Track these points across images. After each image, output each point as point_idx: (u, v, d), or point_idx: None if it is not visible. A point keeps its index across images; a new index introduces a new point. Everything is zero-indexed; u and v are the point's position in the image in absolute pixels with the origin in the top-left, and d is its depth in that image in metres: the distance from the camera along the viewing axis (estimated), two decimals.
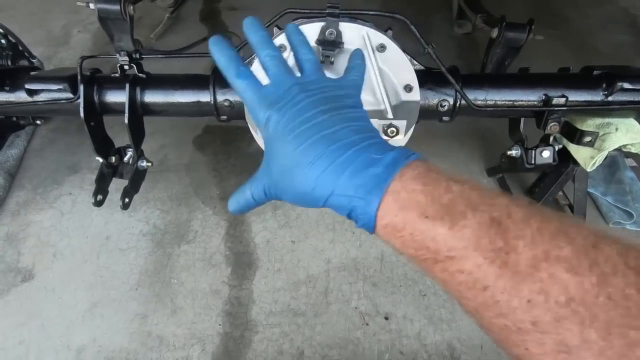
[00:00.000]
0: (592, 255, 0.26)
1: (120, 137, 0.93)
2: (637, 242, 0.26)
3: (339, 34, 0.70)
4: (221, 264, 0.95)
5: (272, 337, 0.85)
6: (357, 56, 0.50)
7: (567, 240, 0.27)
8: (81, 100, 0.81)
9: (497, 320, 0.28)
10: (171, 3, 1.63)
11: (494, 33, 0.97)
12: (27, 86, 0.83)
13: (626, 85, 0.76)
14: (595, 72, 0.81)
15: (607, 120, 0.83)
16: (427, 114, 0.82)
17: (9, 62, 1.00)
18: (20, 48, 1.04)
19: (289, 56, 0.71)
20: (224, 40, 0.44)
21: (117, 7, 0.85)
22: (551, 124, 0.81)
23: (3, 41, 0.99)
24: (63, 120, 1.22)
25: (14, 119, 1.03)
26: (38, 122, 1.07)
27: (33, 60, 1.06)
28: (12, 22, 1.03)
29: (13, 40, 1.01)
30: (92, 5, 0.87)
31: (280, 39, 0.72)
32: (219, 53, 0.43)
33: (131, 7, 0.90)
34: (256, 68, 0.60)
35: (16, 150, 1.11)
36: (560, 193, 1.05)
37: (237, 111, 0.83)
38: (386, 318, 0.88)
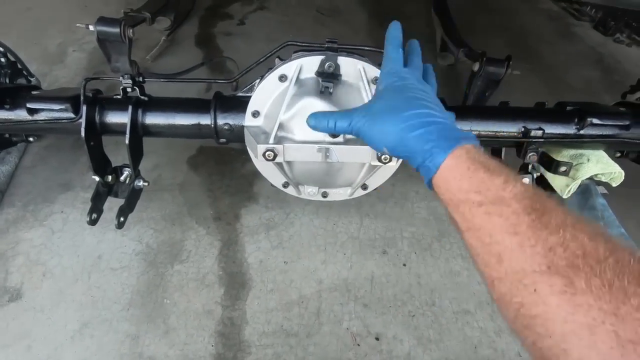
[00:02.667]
0: (606, 236, 0.32)
1: (114, 156, 0.94)
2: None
3: (337, 67, 0.75)
4: (214, 284, 0.96)
5: (264, 358, 0.85)
6: (429, 70, 0.65)
7: (587, 223, 0.34)
8: (83, 121, 0.83)
9: (515, 264, 0.33)
10: (168, 26, 1.67)
11: (476, 67, 1.04)
12: (28, 105, 0.85)
13: (595, 121, 0.84)
14: (568, 108, 0.88)
15: (580, 151, 0.90)
16: None
17: (7, 80, 1.01)
18: (19, 66, 1.05)
19: (289, 85, 0.76)
20: (400, 27, 0.63)
21: (116, 30, 0.88)
22: (530, 154, 0.87)
23: (2, 59, 1.00)
24: (56, 137, 1.23)
25: (6, 135, 1.03)
26: (31, 139, 1.07)
27: (31, 79, 1.08)
28: (7, 38, 1.04)
29: (12, 59, 1.03)
30: (91, 27, 0.90)
31: (282, 69, 0.76)
32: (392, 33, 0.62)
33: (130, 30, 0.93)
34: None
35: (7, 167, 1.11)
36: None
37: (236, 134, 0.86)
38: (377, 339, 0.90)
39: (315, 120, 0.58)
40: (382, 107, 0.53)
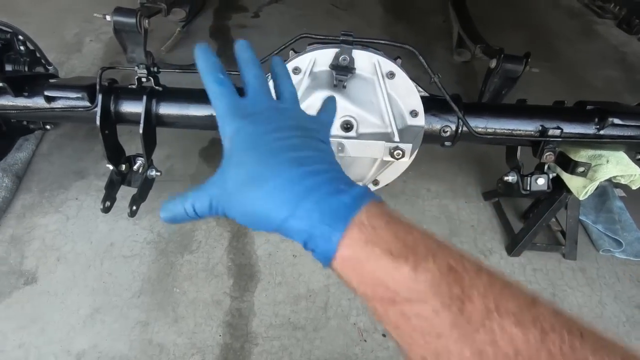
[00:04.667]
0: (534, 312, 0.27)
1: (128, 145, 0.95)
2: (562, 309, 0.29)
3: (352, 60, 0.74)
4: (223, 275, 0.96)
5: (271, 349, 0.86)
6: (332, 101, 0.50)
7: (513, 295, 0.28)
8: (98, 109, 0.84)
9: None
10: (183, 18, 1.68)
11: (493, 63, 1.02)
12: (46, 93, 0.86)
13: (616, 121, 0.81)
14: (589, 107, 0.86)
15: (598, 152, 0.88)
16: (430, 138, 0.86)
17: (26, 68, 1.02)
18: (38, 55, 1.07)
19: (303, 78, 0.75)
20: (209, 48, 0.43)
21: (133, 20, 0.89)
22: (547, 154, 0.85)
23: (22, 48, 1.02)
24: (71, 126, 1.24)
25: (24, 122, 1.05)
26: (48, 127, 1.09)
27: (49, 67, 1.09)
28: (27, 27, 1.05)
29: (31, 47, 1.05)
30: (108, 17, 0.91)
31: (296, 62, 0.76)
32: (202, 58, 0.41)
33: (146, 21, 0.94)
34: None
35: (24, 154, 1.13)
36: (553, 219, 1.09)
37: None
38: (384, 335, 0.90)
39: (167, 212, 0.39)
40: (234, 179, 0.36)
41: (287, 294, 0.94)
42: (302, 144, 0.37)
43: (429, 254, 0.31)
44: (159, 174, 0.95)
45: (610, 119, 0.81)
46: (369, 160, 0.80)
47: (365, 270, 0.31)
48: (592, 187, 0.89)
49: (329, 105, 0.48)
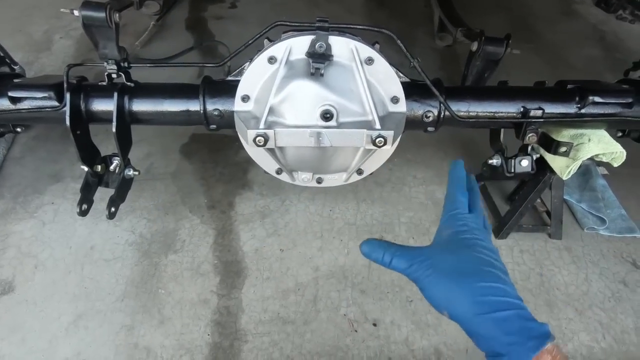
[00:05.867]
0: None
1: (104, 145, 0.92)
2: None
3: (329, 47, 0.72)
4: (209, 273, 0.94)
5: (261, 346, 0.85)
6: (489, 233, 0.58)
7: None
8: (67, 109, 0.80)
9: None
10: (157, 11, 1.62)
11: (474, 46, 1.01)
12: (10, 94, 0.82)
13: (597, 99, 0.81)
14: (569, 86, 0.85)
15: (580, 131, 0.88)
16: (412, 124, 0.84)
17: None
18: (2, 54, 1.01)
19: (279, 67, 0.73)
20: (462, 166, 0.58)
21: (102, 15, 0.84)
22: (529, 135, 0.85)
23: None
24: (44, 127, 1.20)
25: None
26: (18, 129, 1.03)
27: (15, 67, 1.04)
28: None
29: None
30: (76, 12, 0.86)
31: (271, 51, 0.73)
32: (455, 172, 0.57)
33: (117, 15, 0.89)
34: None
35: None
36: (539, 200, 1.10)
37: (226, 120, 0.84)
38: (374, 324, 0.89)
39: (369, 248, 0.51)
40: (450, 265, 0.46)
41: (275, 289, 0.93)
42: (496, 263, 0.47)
43: None
44: (137, 173, 0.91)
45: (591, 98, 0.81)
46: (352, 149, 0.78)
47: None
48: (575, 167, 0.89)
49: (485, 220, 0.57)
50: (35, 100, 0.83)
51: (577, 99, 0.83)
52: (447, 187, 0.57)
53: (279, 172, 0.85)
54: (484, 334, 0.42)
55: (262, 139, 0.70)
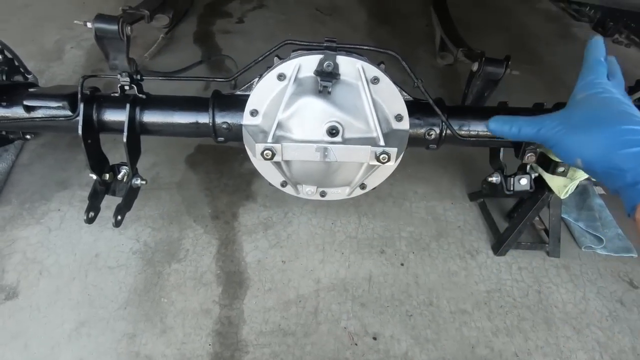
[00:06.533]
0: None
1: (112, 154, 0.93)
2: None
3: (336, 66, 0.75)
4: (212, 283, 0.95)
5: (262, 357, 0.85)
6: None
7: None
8: (80, 118, 0.83)
9: None
10: (166, 24, 1.67)
11: (475, 67, 1.04)
12: (25, 102, 0.84)
13: None
14: None
15: None
16: (415, 141, 0.87)
17: (4, 77, 1.00)
18: (16, 63, 1.04)
19: (288, 84, 0.76)
20: (603, 43, 0.61)
21: (115, 27, 0.87)
22: (528, 154, 0.87)
23: (0, 56, 0.99)
24: (53, 135, 1.22)
25: (3, 132, 1.02)
26: (28, 136, 1.06)
27: (28, 76, 1.07)
28: (5, 35, 1.04)
29: (9, 56, 1.02)
30: (89, 24, 0.89)
31: (281, 68, 0.76)
32: (594, 45, 0.60)
33: (129, 28, 0.92)
34: None
35: (3, 165, 1.10)
36: (537, 218, 1.12)
37: (234, 133, 0.86)
38: (374, 338, 0.90)
39: (496, 124, 0.57)
40: (586, 116, 0.50)
41: (277, 300, 0.94)
42: (637, 113, 0.49)
43: None
44: (144, 182, 0.93)
45: None
46: (356, 164, 0.80)
47: None
48: (572, 186, 0.91)
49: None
50: (50, 110, 0.85)
51: None
52: (584, 59, 0.60)
53: (283, 184, 0.87)
54: (618, 167, 0.45)
55: (270, 152, 0.72)
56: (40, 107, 0.85)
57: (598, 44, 0.61)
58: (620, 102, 0.51)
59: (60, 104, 0.84)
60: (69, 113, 0.85)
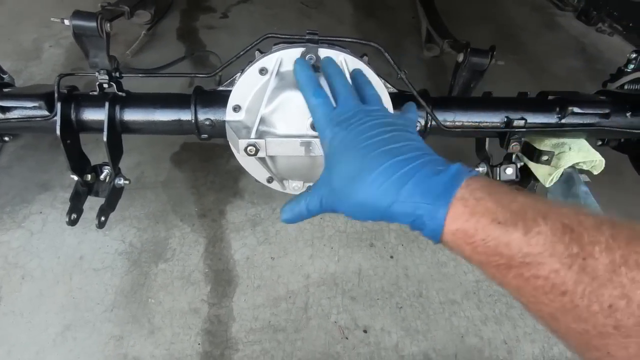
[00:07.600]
0: None
1: (94, 154, 0.92)
2: None
3: (318, 58, 0.74)
4: (200, 282, 0.94)
5: (252, 354, 0.85)
6: (412, 104, 0.57)
7: (631, 228, 0.28)
8: (58, 118, 0.80)
9: (575, 325, 0.29)
10: (148, 20, 1.63)
11: (460, 57, 1.04)
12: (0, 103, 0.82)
13: (576, 110, 0.84)
14: (550, 97, 0.89)
15: (561, 140, 0.91)
16: None
17: None
18: None
19: (270, 78, 0.74)
20: (307, 63, 0.52)
21: (93, 24, 0.85)
22: (513, 144, 0.88)
23: None
24: (33, 136, 1.19)
25: None
26: (6, 138, 1.03)
27: (4, 76, 1.04)
28: None
29: None
30: (66, 22, 0.87)
31: (262, 62, 0.75)
32: (301, 72, 0.52)
33: (108, 24, 0.90)
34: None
35: None
36: None
37: (217, 130, 0.85)
38: (365, 331, 0.90)
39: (286, 213, 0.48)
40: (338, 178, 0.41)
41: (266, 297, 0.94)
42: (393, 137, 0.42)
43: (538, 216, 0.31)
44: (127, 182, 0.92)
45: (570, 108, 0.84)
46: None
47: (475, 241, 0.33)
48: (557, 174, 0.92)
49: (409, 107, 0.56)
50: (26, 110, 0.83)
51: (557, 109, 0.87)
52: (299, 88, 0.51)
53: (269, 180, 0.86)
54: (399, 219, 0.38)
55: (254, 148, 0.71)
56: (15, 107, 0.83)
57: (301, 69, 0.54)
58: (359, 133, 0.42)
59: (36, 104, 0.82)
60: (46, 113, 0.82)
